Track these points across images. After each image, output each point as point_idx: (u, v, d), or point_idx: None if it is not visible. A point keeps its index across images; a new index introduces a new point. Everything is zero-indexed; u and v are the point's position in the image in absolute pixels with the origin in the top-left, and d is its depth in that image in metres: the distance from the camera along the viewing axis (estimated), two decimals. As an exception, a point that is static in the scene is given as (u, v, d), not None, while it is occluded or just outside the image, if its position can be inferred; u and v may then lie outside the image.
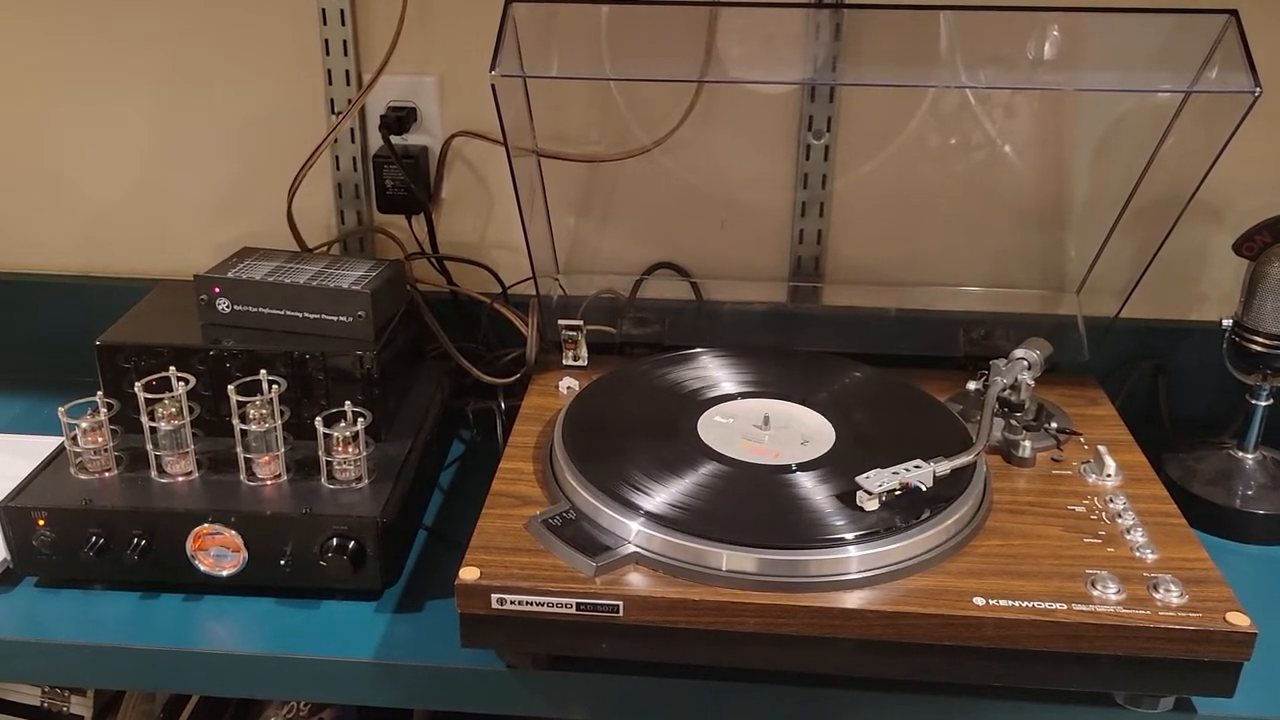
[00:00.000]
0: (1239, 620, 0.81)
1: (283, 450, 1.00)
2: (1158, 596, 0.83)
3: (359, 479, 1.00)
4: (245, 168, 1.30)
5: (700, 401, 1.05)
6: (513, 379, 1.20)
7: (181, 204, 1.32)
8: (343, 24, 1.22)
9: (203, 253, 1.33)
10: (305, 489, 0.99)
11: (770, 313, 1.28)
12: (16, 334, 1.36)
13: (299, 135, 1.26)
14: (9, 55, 1.27)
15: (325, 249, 1.29)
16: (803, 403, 1.05)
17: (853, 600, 0.83)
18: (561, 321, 1.17)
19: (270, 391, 0.99)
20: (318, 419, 0.99)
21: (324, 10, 1.21)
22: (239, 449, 0.99)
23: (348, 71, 1.24)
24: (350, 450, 0.99)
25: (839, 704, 0.89)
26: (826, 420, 1.02)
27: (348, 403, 1.01)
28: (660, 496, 0.90)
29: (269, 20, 1.23)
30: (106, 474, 1.01)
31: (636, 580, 0.84)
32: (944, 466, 0.91)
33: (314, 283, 1.07)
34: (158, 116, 1.29)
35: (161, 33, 1.25)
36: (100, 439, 1.01)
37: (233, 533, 0.95)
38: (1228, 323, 1.10)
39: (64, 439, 1.01)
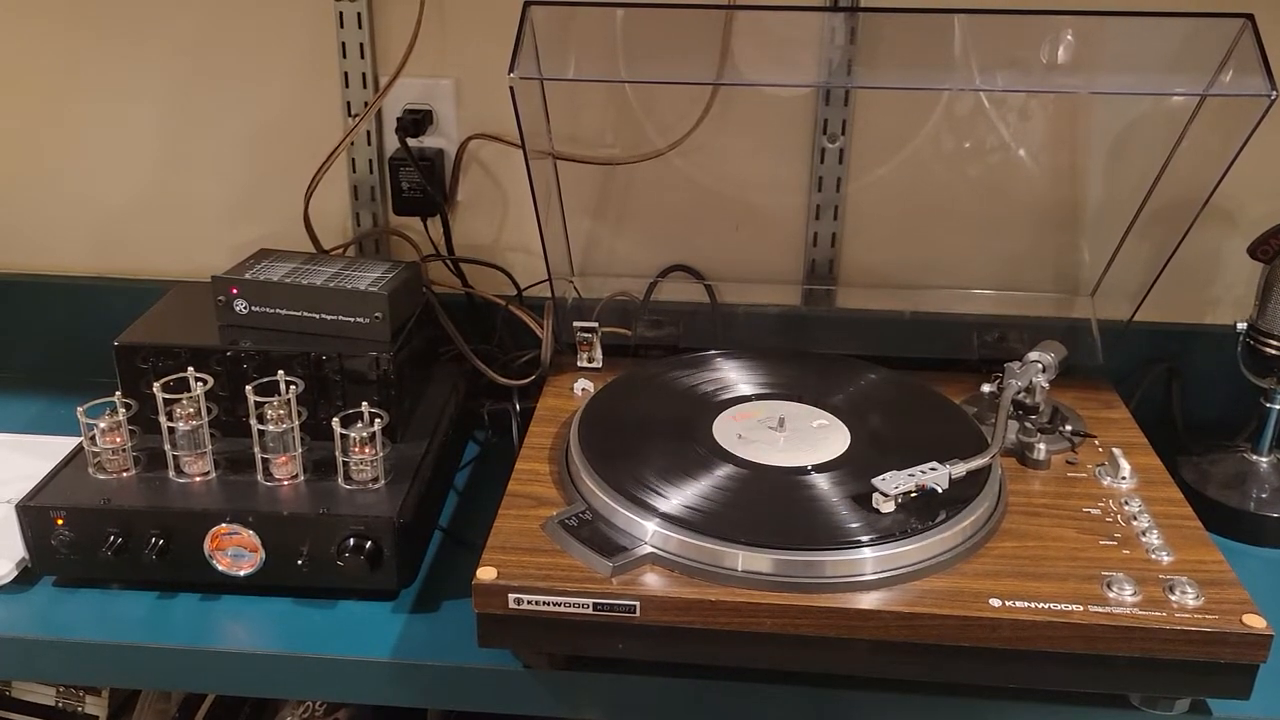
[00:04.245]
0: (1255, 622, 0.81)
1: (300, 451, 1.00)
2: (1173, 598, 0.83)
3: (375, 479, 1.00)
4: (262, 170, 1.31)
5: (715, 403, 1.06)
6: (528, 381, 1.20)
7: (198, 206, 1.33)
8: (360, 27, 1.22)
9: (219, 254, 1.33)
10: (322, 489, 0.99)
11: (784, 315, 1.28)
12: (35, 335, 1.37)
13: (315, 138, 1.27)
14: (26, 57, 1.28)
15: (342, 251, 1.30)
16: (817, 405, 1.05)
17: (869, 601, 0.83)
18: (576, 323, 1.17)
19: (287, 392, 1.00)
20: (335, 420, 0.99)
21: (341, 13, 1.22)
22: (256, 449, 1.00)
23: (364, 74, 1.24)
24: (367, 451, 0.99)
25: (854, 705, 0.89)
26: (841, 422, 1.03)
27: (364, 404, 1.01)
28: (676, 498, 0.90)
29: (286, 23, 1.24)
30: (124, 474, 1.01)
31: (653, 581, 0.85)
32: (959, 468, 0.91)
33: (331, 284, 1.08)
34: (175, 118, 1.29)
35: (179, 35, 1.25)
36: (118, 439, 1.01)
37: (250, 533, 0.96)
38: (1242, 326, 1.10)
39: (82, 439, 1.02)
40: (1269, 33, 0.94)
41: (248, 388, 0.99)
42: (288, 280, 1.09)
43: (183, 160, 1.31)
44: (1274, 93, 0.90)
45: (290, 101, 1.27)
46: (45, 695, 1.24)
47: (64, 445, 1.08)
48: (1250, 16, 0.94)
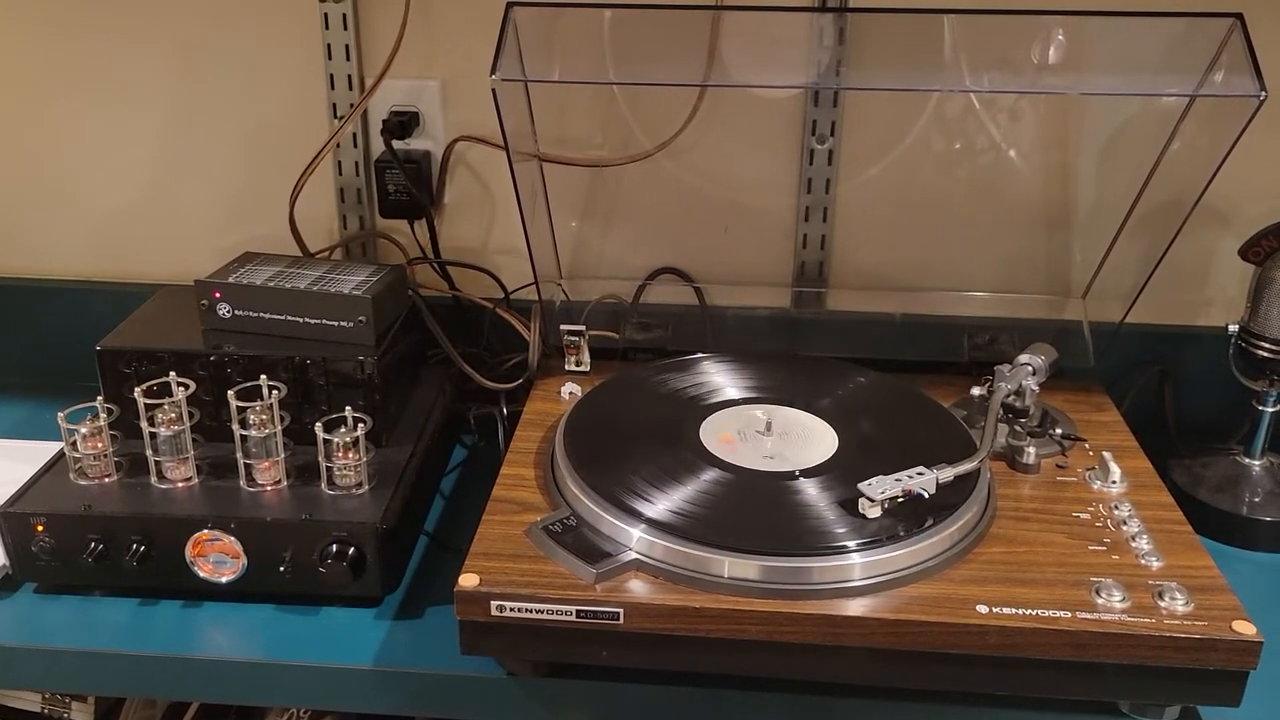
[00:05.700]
0: (1245, 629, 0.80)
1: (283, 456, 1.00)
2: (1163, 604, 0.82)
3: (359, 485, 0.99)
4: (248, 173, 1.30)
5: (703, 407, 1.05)
6: (515, 384, 1.19)
7: (185, 209, 1.32)
8: (345, 29, 1.21)
9: (206, 258, 1.32)
10: (305, 495, 0.98)
11: (774, 318, 1.27)
12: (19, 338, 1.36)
13: (302, 140, 1.26)
14: (15, 61, 1.27)
15: (327, 254, 1.29)
16: (806, 408, 1.05)
17: (855, 608, 0.82)
18: (564, 327, 1.16)
19: (270, 397, 0.99)
20: (318, 424, 0.99)
21: (326, 15, 1.21)
22: (239, 454, 0.99)
23: (350, 76, 1.23)
24: (351, 456, 0.99)
25: (841, 712, 0.88)
26: (830, 426, 1.02)
27: (348, 408, 1.00)
28: (662, 503, 0.90)
29: (272, 25, 1.23)
30: (106, 479, 1.01)
31: (637, 587, 0.84)
32: (947, 473, 0.90)
33: (315, 288, 1.07)
34: (162, 122, 1.28)
35: (166, 38, 1.24)
36: (100, 444, 1.00)
37: (232, 539, 0.95)
38: (1234, 328, 1.09)
39: (64, 444, 1.01)
40: (1258, 33, 0.93)
41: (230, 392, 0.98)
42: (272, 284, 1.08)
43: (170, 164, 1.30)
44: (1263, 93, 0.89)
45: (276, 104, 1.26)
46: (30, 702, 1.23)
47: (45, 450, 1.07)
48: (1239, 16, 0.94)
